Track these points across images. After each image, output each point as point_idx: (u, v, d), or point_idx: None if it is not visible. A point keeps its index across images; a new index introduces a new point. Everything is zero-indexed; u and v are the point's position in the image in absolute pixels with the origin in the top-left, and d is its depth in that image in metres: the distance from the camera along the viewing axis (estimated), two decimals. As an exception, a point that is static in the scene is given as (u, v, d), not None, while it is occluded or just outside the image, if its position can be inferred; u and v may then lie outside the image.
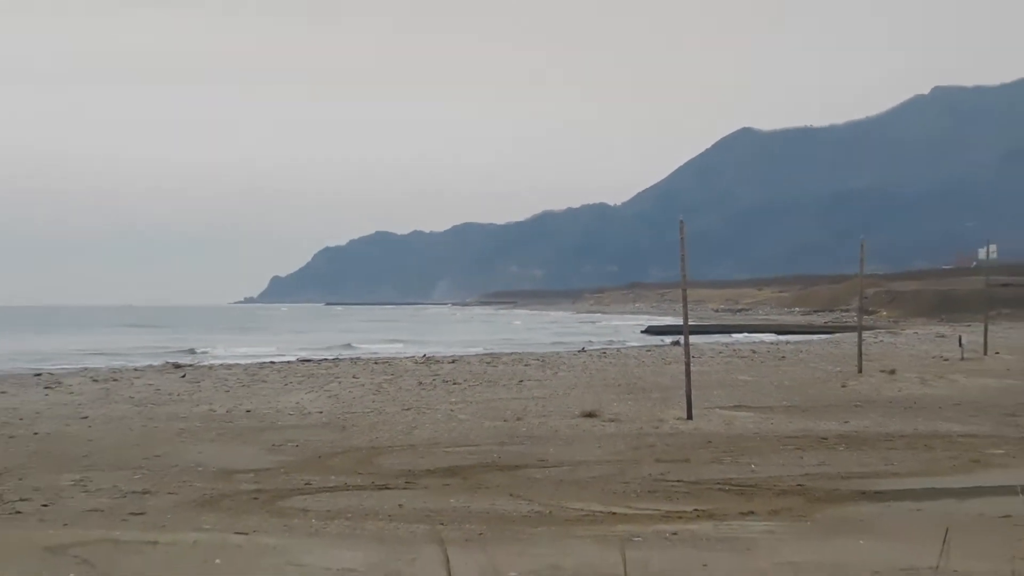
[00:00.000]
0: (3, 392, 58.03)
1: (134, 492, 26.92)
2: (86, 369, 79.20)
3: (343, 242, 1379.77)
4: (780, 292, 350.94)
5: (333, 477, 29.38)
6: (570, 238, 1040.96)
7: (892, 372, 64.05)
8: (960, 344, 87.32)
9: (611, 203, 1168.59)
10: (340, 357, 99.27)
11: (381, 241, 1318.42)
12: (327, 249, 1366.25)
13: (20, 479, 28.56)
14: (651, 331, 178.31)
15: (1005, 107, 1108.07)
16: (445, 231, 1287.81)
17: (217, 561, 18.33)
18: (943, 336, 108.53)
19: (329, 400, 52.05)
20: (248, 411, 46.94)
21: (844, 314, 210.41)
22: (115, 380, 68.08)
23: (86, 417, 44.96)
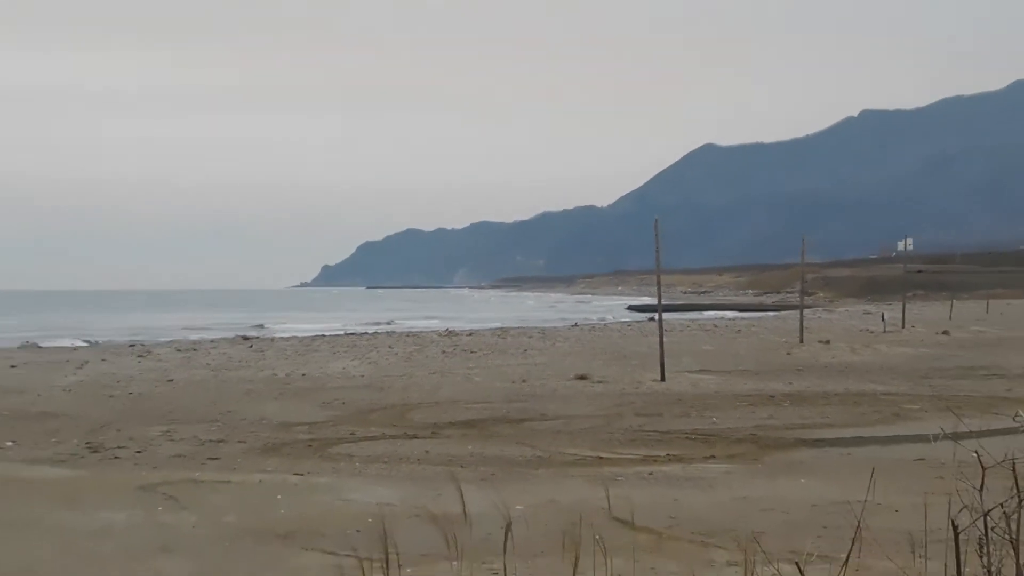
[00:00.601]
0: (104, 360, 58.07)
1: (210, 441, 26.99)
2: (171, 341, 79.19)
3: (380, 237, 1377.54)
4: (736, 277, 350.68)
5: (372, 429, 29.44)
6: (565, 233, 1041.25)
7: (827, 342, 64.08)
8: (883, 319, 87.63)
9: (599, 205, 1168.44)
10: (378, 331, 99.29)
11: (411, 236, 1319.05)
12: (367, 243, 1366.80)
13: (118, 431, 28.59)
14: (632, 309, 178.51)
15: (921, 126, 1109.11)
16: (464, 228, 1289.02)
17: (279, 497, 18.36)
18: (869, 313, 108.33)
19: (369, 366, 52.07)
20: (303, 375, 46.95)
21: (789, 295, 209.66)
22: (195, 350, 68.18)
23: (171, 380, 44.95)
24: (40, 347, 73.58)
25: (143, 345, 73.18)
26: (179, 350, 67.90)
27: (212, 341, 78.86)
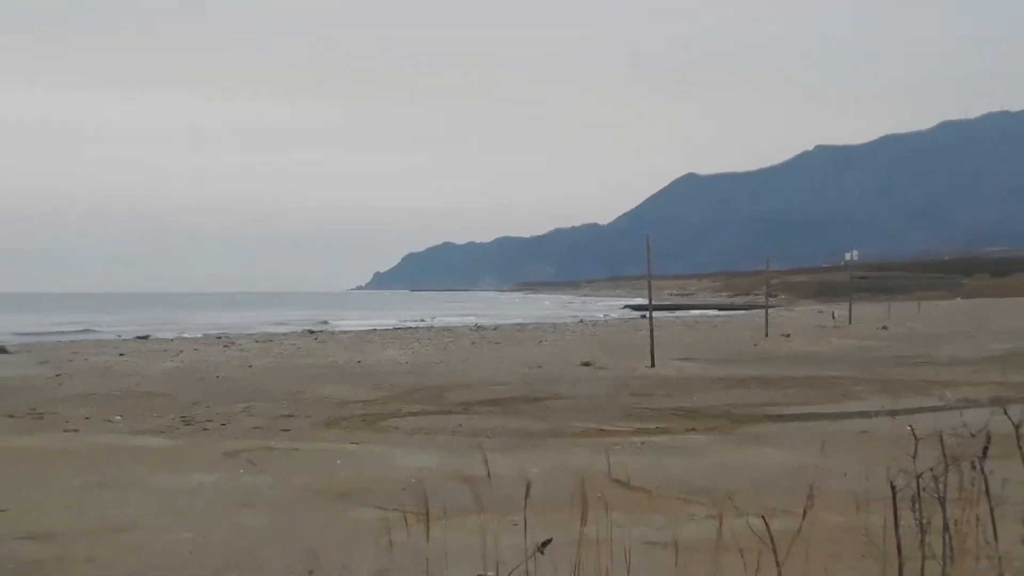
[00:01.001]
0: (196, 349, 58.43)
1: (282, 416, 26.99)
2: (251, 334, 79.35)
3: (421, 249, 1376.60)
4: (713, 282, 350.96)
5: (414, 406, 29.42)
6: (573, 246, 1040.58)
7: (788, 336, 63.97)
8: (833, 317, 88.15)
9: (600, 223, 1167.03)
10: (420, 326, 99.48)
11: (446, 248, 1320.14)
12: (410, 254, 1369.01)
13: (207, 407, 28.63)
14: (628, 307, 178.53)
15: (865, 159, 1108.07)
16: (490, 241, 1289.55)
17: (338, 462, 18.36)
18: (821, 312, 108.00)
19: (412, 355, 52.11)
20: (358, 362, 46.97)
21: (756, 297, 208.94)
22: (270, 341, 68.40)
23: (251, 366, 45.01)
24: (146, 339, 74.01)
25: (228, 337, 73.51)
26: (257, 341, 68.26)
27: (284, 334, 79.19)
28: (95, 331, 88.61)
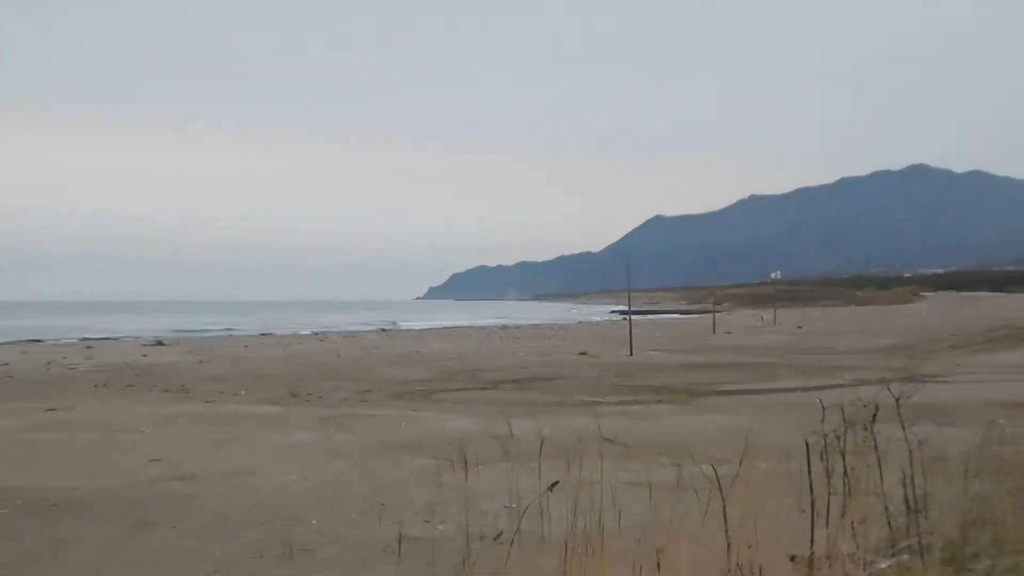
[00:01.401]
0: (300, 343, 58.77)
1: (362, 391, 27.07)
2: (340, 332, 79.56)
3: (463, 269, 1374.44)
4: (675, 294, 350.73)
5: (457, 384, 29.53)
6: (574, 269, 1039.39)
7: (730, 332, 64.05)
8: (762, 319, 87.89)
9: (593, 251, 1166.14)
10: (461, 326, 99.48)
11: (482, 269, 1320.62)
12: (455, 273, 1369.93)
13: (308, 384, 28.79)
14: (614, 312, 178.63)
15: (785, 205, 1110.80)
16: (513, 264, 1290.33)
17: (403, 424, 18.36)
18: (754, 315, 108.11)
19: (456, 347, 52.28)
20: (418, 352, 47.08)
21: (707, 304, 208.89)
22: (353, 337, 68.90)
23: (339, 355, 45.24)
24: (265, 335, 74.22)
25: (323, 334, 73.66)
26: (344, 337, 68.76)
27: (364, 332, 79.59)
28: (233, 329, 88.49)
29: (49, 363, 38.64)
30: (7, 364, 38.44)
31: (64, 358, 41.74)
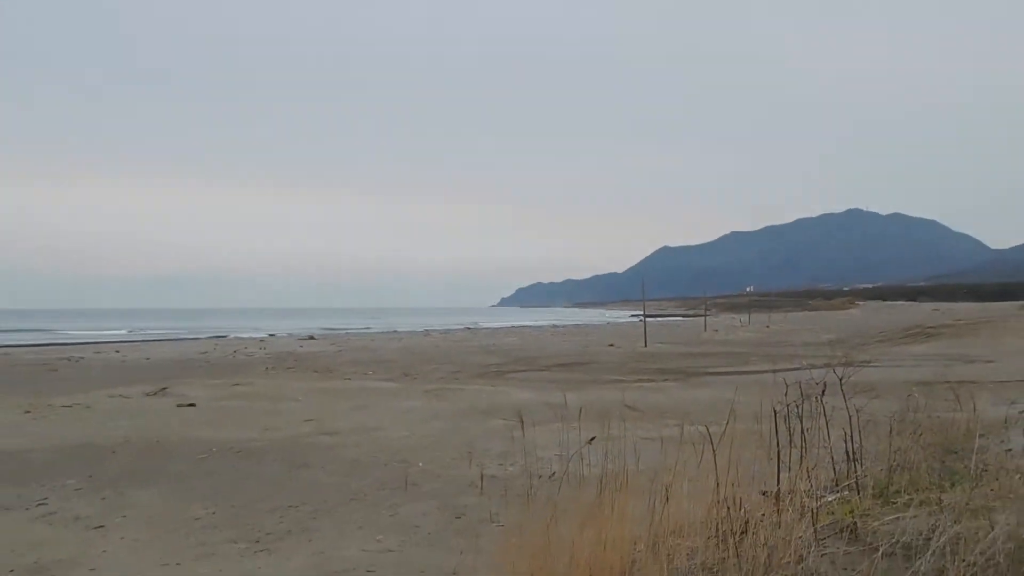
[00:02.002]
0: (410, 338, 58.66)
1: (453, 372, 27.04)
2: (436, 329, 79.31)
3: (526, 284, 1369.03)
4: (678, 303, 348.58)
5: (520, 367, 29.39)
6: (605, 284, 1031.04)
7: (716, 331, 63.02)
8: (740, 322, 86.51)
9: (618, 271, 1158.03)
10: (524, 326, 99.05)
11: (537, 285, 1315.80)
12: (520, 288, 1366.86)
13: (415, 367, 28.78)
14: (634, 316, 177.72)
15: (757, 238, 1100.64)
16: (561, 281, 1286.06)
17: (483, 395, 18.36)
18: (735, 318, 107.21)
19: (520, 340, 52.04)
20: (493, 344, 46.97)
21: (700, 310, 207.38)
22: (447, 333, 68.53)
23: (438, 346, 45.20)
24: (387, 332, 74.41)
25: (429, 332, 73.65)
26: (441, 333, 68.35)
27: (454, 330, 79.10)
28: (366, 328, 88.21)
29: (234, 352, 39.14)
30: (205, 353, 39.08)
31: (245, 349, 42.24)
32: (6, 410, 15.98)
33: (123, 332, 74.94)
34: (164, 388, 20.00)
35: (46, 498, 8.97)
